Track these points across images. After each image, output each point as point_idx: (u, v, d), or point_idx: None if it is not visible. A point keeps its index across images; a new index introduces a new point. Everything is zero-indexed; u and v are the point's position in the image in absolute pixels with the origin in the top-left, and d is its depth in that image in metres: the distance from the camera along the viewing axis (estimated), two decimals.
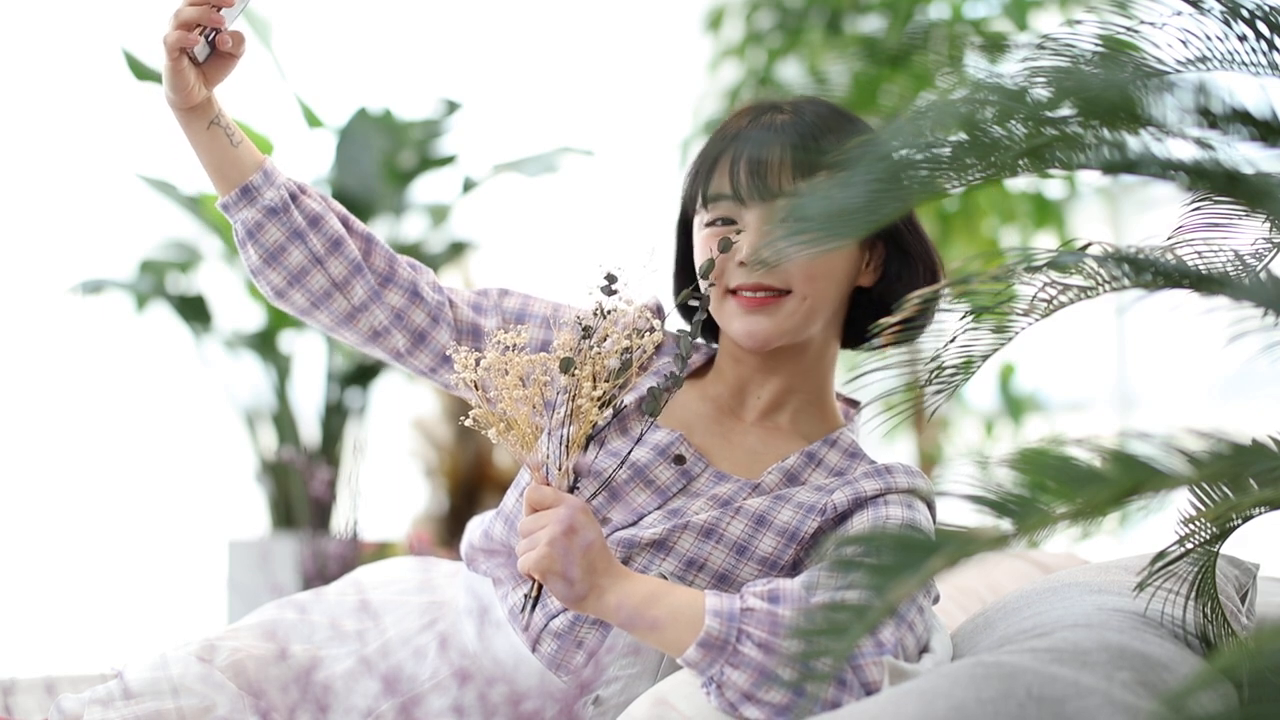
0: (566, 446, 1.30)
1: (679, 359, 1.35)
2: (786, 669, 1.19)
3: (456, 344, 1.53)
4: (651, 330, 1.32)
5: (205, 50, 1.47)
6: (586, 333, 1.30)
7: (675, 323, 1.43)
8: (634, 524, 1.40)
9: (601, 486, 1.42)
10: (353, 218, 1.57)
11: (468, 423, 1.30)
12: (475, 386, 1.29)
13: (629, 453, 1.42)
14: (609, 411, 1.31)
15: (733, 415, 1.48)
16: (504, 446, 1.30)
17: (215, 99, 1.51)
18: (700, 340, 1.53)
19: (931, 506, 1.41)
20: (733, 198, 1.41)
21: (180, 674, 1.40)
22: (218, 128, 1.51)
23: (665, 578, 1.35)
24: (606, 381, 1.30)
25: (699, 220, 1.44)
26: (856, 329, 1.49)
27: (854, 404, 1.53)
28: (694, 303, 1.38)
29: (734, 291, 1.41)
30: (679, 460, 1.43)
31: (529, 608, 1.30)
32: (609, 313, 1.31)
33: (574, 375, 1.28)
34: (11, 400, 3.98)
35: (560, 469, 1.30)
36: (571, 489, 1.31)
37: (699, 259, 1.43)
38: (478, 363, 1.29)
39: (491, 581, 1.47)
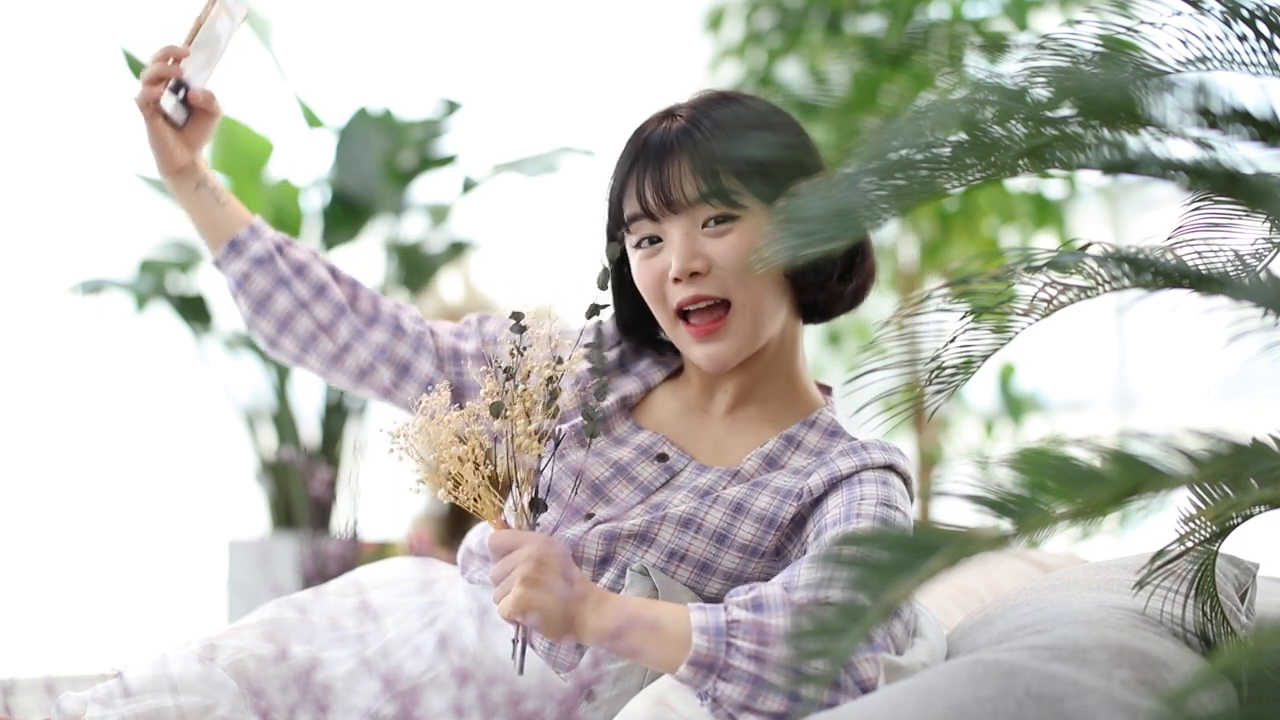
0: (518, 487, 1.30)
1: (596, 373, 1.37)
2: (781, 676, 1.19)
3: (439, 370, 1.57)
4: (570, 356, 1.33)
5: (181, 112, 1.53)
6: (508, 374, 1.30)
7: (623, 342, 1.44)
8: (618, 518, 1.41)
9: (577, 483, 1.43)
10: (340, 267, 1.65)
11: (416, 490, 1.30)
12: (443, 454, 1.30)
13: (589, 457, 1.44)
14: (550, 443, 1.32)
15: (703, 411, 1.49)
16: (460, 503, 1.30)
17: (201, 162, 1.60)
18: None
19: (907, 482, 1.41)
20: (645, 217, 1.41)
21: (180, 673, 1.40)
22: (205, 190, 1.59)
23: (646, 571, 1.35)
24: (541, 414, 1.30)
25: (629, 242, 1.45)
26: (813, 307, 1.48)
27: (827, 390, 1.53)
28: (598, 316, 1.40)
29: (684, 317, 1.42)
30: (662, 458, 1.45)
31: (519, 653, 1.28)
32: (524, 350, 1.31)
33: (506, 418, 1.29)
34: (12, 400, 3.98)
35: (517, 509, 1.30)
36: (532, 526, 1.31)
37: (639, 279, 1.44)
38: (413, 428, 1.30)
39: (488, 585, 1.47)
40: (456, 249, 3.96)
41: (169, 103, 1.51)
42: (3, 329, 3.95)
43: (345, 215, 3.80)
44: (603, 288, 1.42)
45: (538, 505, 1.31)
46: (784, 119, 1.46)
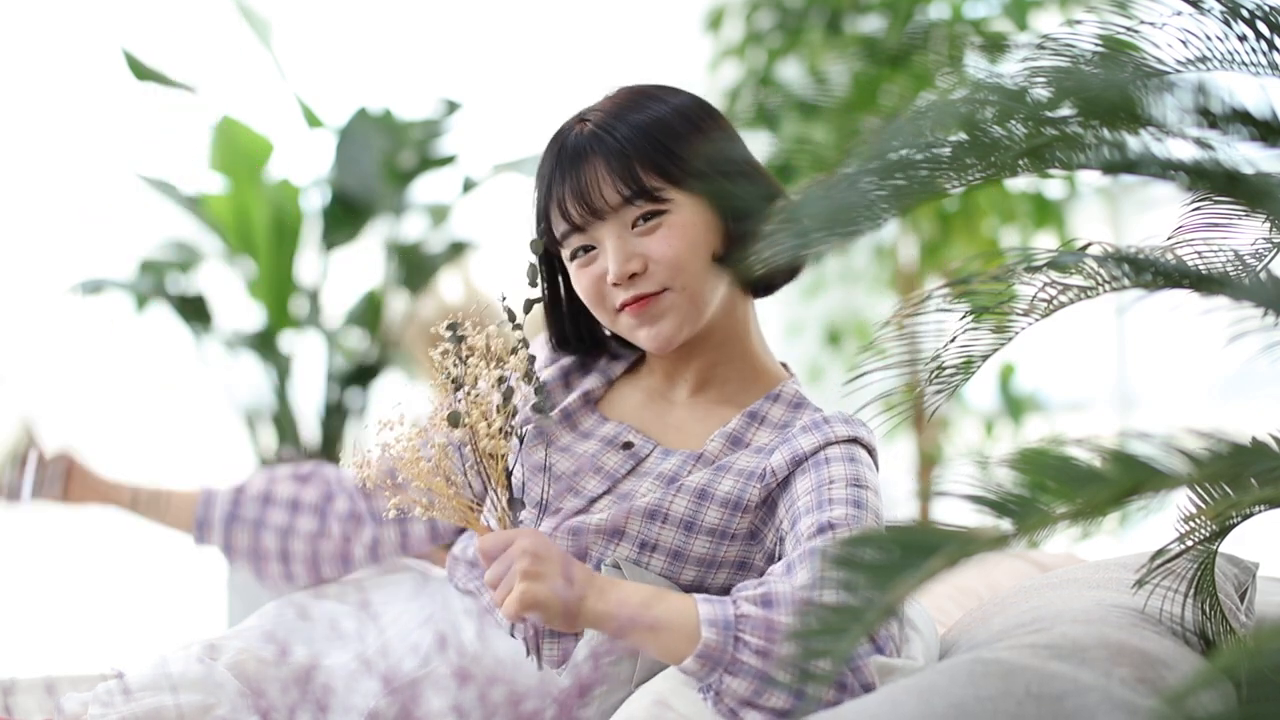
0: (494, 490, 1.30)
1: (531, 376, 1.34)
2: (786, 674, 1.19)
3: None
4: (516, 351, 1.32)
5: (53, 487, 1.58)
6: (456, 384, 1.30)
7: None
8: (585, 510, 1.41)
9: (546, 480, 1.44)
10: (301, 467, 1.67)
11: (391, 514, 1.30)
12: (388, 480, 1.30)
13: (557, 453, 1.45)
14: (514, 440, 1.31)
15: (666, 399, 1.50)
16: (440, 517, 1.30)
17: (112, 488, 1.65)
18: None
19: (873, 453, 1.41)
20: (574, 231, 1.41)
21: (180, 673, 1.40)
22: (140, 498, 1.65)
23: (618, 565, 1.36)
24: (499, 414, 1.30)
25: (565, 254, 1.45)
26: (754, 281, 1.47)
27: (784, 366, 1.54)
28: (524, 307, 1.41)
29: (619, 309, 1.41)
30: (627, 446, 1.45)
31: (534, 652, 1.28)
32: (467, 357, 1.31)
33: (466, 425, 1.28)
34: (11, 400, 3.98)
35: (497, 513, 1.30)
36: (514, 525, 1.30)
37: (579, 288, 1.43)
38: (374, 459, 1.30)
39: (477, 593, 1.48)
40: (456, 249, 3.96)
41: (26, 493, 1.56)
42: (3, 329, 3.95)
43: (345, 215, 3.80)
44: (532, 284, 1.44)
45: (515, 504, 1.31)
46: (698, 107, 1.44)
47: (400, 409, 1.30)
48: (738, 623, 1.22)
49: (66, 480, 1.62)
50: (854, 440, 1.38)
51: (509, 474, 1.31)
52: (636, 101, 1.43)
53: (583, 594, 1.23)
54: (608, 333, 1.52)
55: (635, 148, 1.38)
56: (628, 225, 1.39)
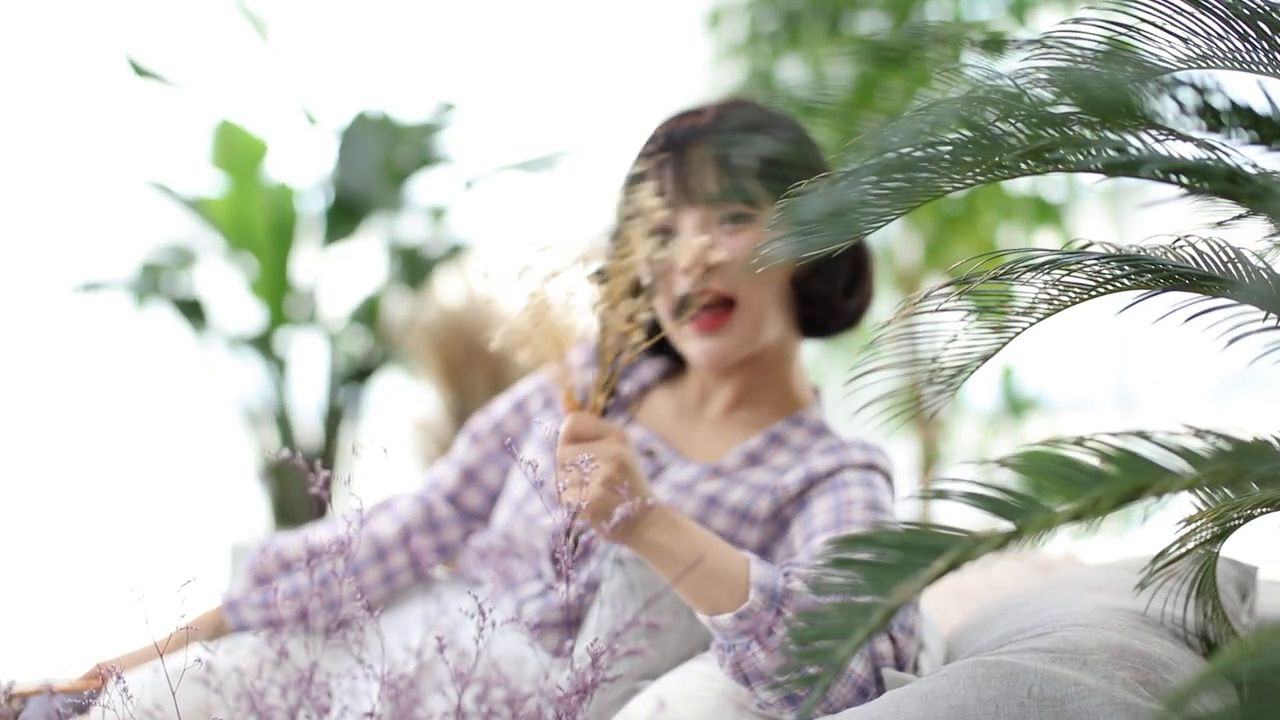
0: (602, 363, 1.24)
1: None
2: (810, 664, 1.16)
3: (464, 516, 1.56)
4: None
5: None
6: (615, 236, 1.26)
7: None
8: None
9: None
10: (311, 536, 1.55)
11: (494, 345, 1.23)
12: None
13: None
14: (639, 336, 1.24)
15: (696, 414, 1.50)
16: (535, 364, 1.23)
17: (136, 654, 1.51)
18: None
19: (890, 479, 1.41)
20: (661, 205, 1.41)
21: (180, 672, 1.40)
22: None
23: (622, 562, 1.35)
24: (636, 298, 1.24)
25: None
26: (813, 322, 1.49)
27: (814, 391, 1.54)
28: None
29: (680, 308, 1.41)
30: (649, 454, 1.46)
31: (568, 549, 1.18)
32: (631, 217, 1.26)
33: (606, 283, 1.23)
34: (12, 400, 3.98)
35: (597, 390, 1.25)
36: (604, 415, 1.26)
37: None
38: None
39: (483, 581, 1.48)
40: (456, 249, 3.96)
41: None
42: (3, 329, 3.95)
43: (344, 215, 3.80)
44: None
45: (609, 414, 1.26)
46: (803, 131, 1.47)
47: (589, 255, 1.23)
48: (784, 596, 1.20)
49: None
50: (870, 466, 1.38)
51: (617, 385, 1.23)
52: (754, 111, 1.45)
53: (641, 515, 1.19)
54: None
55: (745, 151, 1.39)
56: (713, 221, 1.39)
